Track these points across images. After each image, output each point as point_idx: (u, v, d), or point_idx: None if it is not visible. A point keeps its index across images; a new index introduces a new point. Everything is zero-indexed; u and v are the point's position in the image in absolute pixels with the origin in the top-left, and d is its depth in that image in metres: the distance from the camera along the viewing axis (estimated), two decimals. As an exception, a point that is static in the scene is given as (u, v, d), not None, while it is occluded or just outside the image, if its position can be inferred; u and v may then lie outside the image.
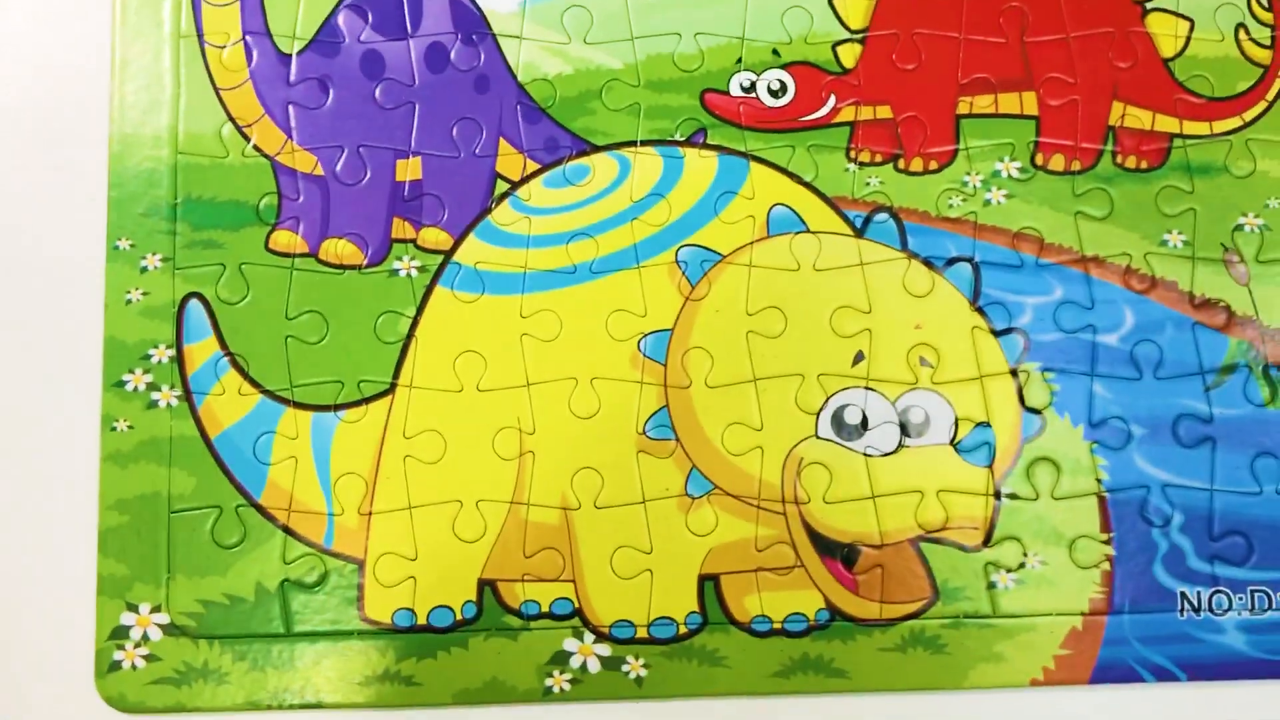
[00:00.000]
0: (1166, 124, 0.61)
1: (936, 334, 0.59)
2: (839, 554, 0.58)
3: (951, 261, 0.60)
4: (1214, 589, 0.58)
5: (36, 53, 0.60)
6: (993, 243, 0.60)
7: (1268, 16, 0.62)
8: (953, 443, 0.58)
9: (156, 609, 0.56)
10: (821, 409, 0.58)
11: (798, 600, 0.57)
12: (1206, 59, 0.62)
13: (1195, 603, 0.58)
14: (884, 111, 0.61)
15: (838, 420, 0.58)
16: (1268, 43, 0.62)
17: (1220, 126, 0.61)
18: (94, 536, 0.57)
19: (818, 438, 0.58)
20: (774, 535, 0.57)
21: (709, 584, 0.57)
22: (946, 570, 0.57)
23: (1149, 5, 0.62)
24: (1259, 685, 0.58)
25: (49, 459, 0.58)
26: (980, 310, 0.59)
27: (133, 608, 0.56)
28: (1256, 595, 0.58)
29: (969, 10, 0.61)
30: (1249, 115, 0.61)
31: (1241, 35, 0.62)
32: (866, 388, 0.58)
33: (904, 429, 0.58)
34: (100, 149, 0.59)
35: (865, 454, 0.58)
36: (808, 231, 0.60)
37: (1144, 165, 0.61)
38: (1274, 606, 0.58)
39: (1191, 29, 0.62)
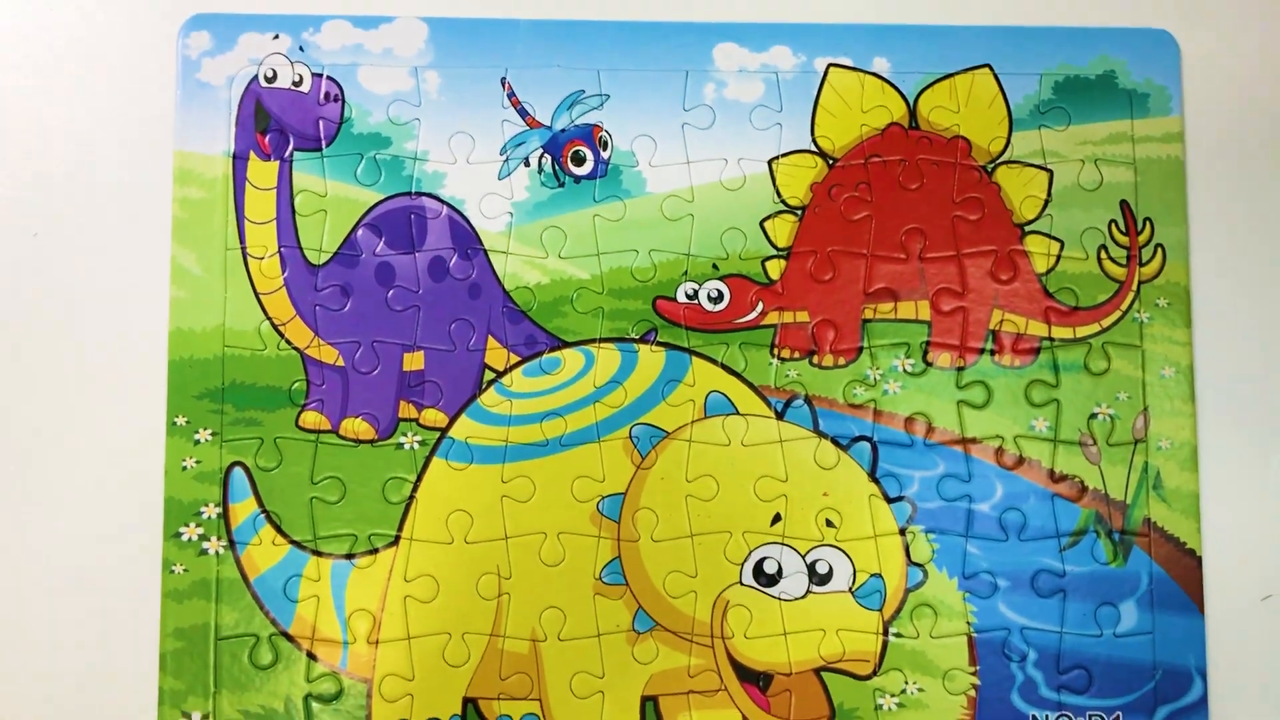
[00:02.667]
0: (1037, 329, 0.77)
1: (840, 500, 0.75)
2: (756, 680, 0.73)
3: (854, 440, 0.75)
4: (1060, 713, 0.74)
5: (106, 260, 0.76)
6: (888, 425, 0.76)
7: (1124, 239, 0.77)
8: (851, 590, 0.73)
9: (206, 717, 0.72)
10: (745, 560, 0.73)
11: (721, 717, 0.73)
12: (1073, 274, 0.78)
13: (1044, 725, 0.75)
14: (802, 316, 0.77)
15: (758, 570, 0.73)
16: (1124, 261, 0.76)
17: (1082, 331, 0.77)
18: (156, 658, 0.72)
19: (741, 584, 0.73)
20: (704, 664, 0.73)
21: (649, 703, 0.73)
22: (842, 694, 0.73)
23: (1027, 229, 0.76)
24: (1093, 792, 0.75)
25: (121, 596, 0.73)
26: (877, 481, 0.75)
27: (187, 715, 0.72)
28: (1094, 719, 0.74)
29: (876, 232, 0.78)
30: (1106, 322, 0.78)
31: (1103, 255, 0.78)
32: (782, 543, 0.74)
33: (812, 578, 0.73)
34: (161, 342, 0.75)
35: (779, 598, 0.73)
36: (737, 414, 0.75)
37: (1017, 363, 0.77)
38: (1108, 728, 0.76)
39: (1062, 249, 0.78)
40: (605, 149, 0.76)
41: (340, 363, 0.74)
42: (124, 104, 0.75)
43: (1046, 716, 0.73)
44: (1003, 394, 0.75)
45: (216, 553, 0.72)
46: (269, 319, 0.74)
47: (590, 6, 0.77)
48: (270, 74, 0.75)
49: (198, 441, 0.73)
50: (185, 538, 0.72)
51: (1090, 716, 0.73)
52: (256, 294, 0.74)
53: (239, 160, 0.74)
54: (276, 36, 0.75)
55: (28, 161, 0.75)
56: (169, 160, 0.74)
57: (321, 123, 0.75)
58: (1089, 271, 0.76)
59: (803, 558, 0.73)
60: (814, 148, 0.76)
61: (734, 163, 0.76)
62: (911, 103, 0.77)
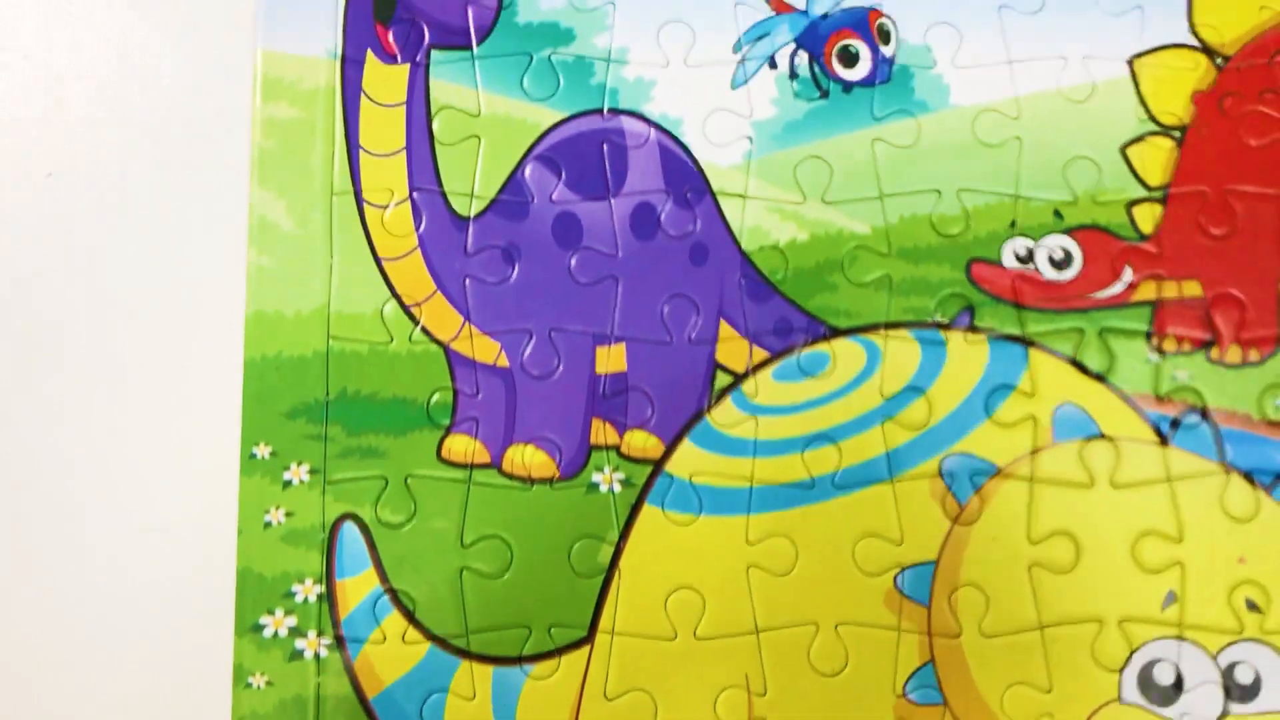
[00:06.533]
0: None
1: (1266, 569, 0.59)
2: None
3: (1282, 477, 0.60)
4: None
5: (157, 214, 0.62)
6: (1335, 453, 0.60)
7: None
8: (1294, 710, 0.58)
9: None
10: (1125, 665, 0.59)
11: None
12: None
13: None
14: (1192, 288, 0.63)
15: (1145, 680, 0.59)
16: None
17: None
18: (224, 822, 0.55)
19: (1121, 703, 0.58)
20: (1072, 828, 0.57)
21: None
22: None
23: None
24: None
25: (173, 723, 0.57)
26: (1323, 539, 0.59)
27: None
28: None
29: (1294, 162, 0.64)
30: None
31: None
32: (1179, 638, 0.59)
33: (1229, 691, 0.58)
34: (234, 333, 0.60)
35: (1182, 724, 0.56)
36: (1102, 437, 0.61)
37: None
38: None
39: None
40: (887, 42, 0.64)
41: (503, 362, 0.63)
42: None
43: None
44: None
45: (317, 655, 0.60)
46: (396, 297, 0.62)
47: None
48: (396, -60, 0.64)
49: (289, 483, 0.61)
50: (269, 632, 0.60)
51: None
52: (378, 260, 0.62)
53: (351, 64, 0.63)
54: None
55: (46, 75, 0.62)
56: (249, 65, 0.62)
57: (472, 9, 0.64)
58: None
59: (1214, 660, 0.58)
60: (1194, 41, 0.63)
61: (1077, 62, 0.63)
62: (1334, -24, 0.63)
